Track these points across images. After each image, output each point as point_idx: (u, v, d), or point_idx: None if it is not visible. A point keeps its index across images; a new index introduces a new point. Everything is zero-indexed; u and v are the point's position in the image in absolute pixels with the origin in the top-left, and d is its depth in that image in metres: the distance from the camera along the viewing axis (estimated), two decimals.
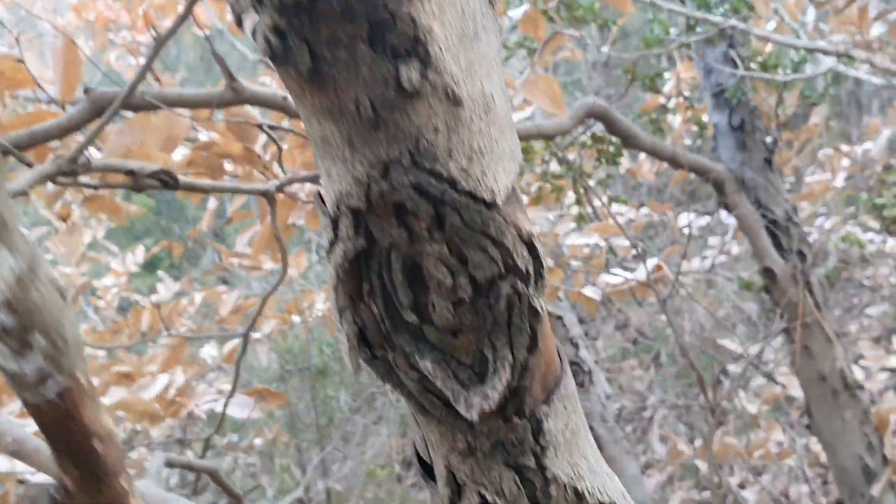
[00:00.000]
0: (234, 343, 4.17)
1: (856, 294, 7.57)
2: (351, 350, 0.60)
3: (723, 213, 5.53)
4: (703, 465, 4.23)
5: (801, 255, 2.49)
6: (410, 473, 7.49)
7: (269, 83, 3.69)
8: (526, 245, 0.58)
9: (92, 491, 0.36)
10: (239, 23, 0.49)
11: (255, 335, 4.80)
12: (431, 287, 0.59)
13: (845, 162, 4.98)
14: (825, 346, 2.46)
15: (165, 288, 5.42)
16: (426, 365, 0.61)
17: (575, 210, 2.85)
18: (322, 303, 4.72)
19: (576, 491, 0.65)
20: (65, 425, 0.35)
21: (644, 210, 5.06)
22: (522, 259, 0.58)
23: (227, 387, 3.28)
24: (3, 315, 0.32)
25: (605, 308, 8.57)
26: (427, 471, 0.71)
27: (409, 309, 0.60)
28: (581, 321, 8.48)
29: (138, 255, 5.77)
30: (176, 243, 4.08)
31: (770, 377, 2.66)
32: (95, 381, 2.60)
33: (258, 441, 5.63)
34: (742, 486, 5.70)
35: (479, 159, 0.54)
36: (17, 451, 0.56)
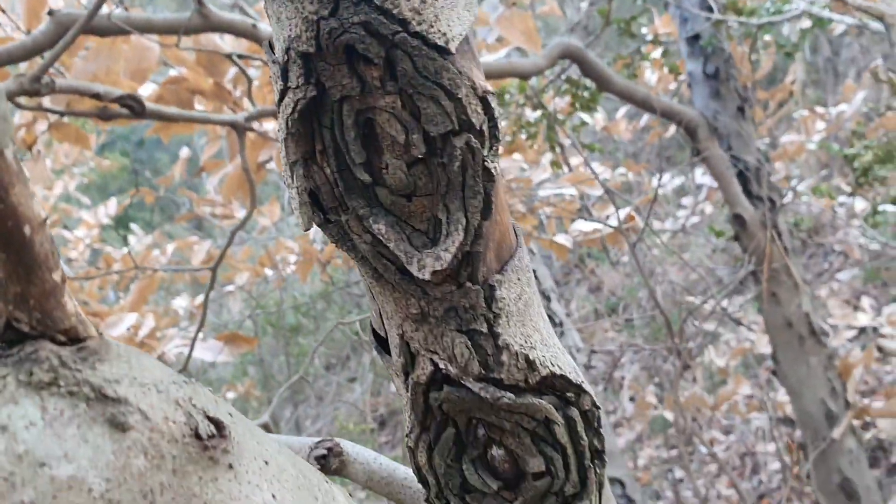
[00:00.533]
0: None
1: (827, 259, 7.65)
2: (302, 206, 0.60)
3: (697, 174, 5.56)
4: (672, 420, 4.28)
5: (771, 201, 2.51)
6: (385, 432, 7.54)
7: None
8: (480, 101, 0.58)
9: (21, 281, 0.35)
10: None
11: (229, 287, 4.79)
12: (385, 146, 0.59)
13: (820, 125, 5.01)
14: (792, 291, 2.49)
15: (137, 240, 5.38)
16: (379, 227, 0.61)
17: (549, 157, 2.85)
18: (296, 257, 4.69)
19: (527, 359, 0.66)
20: None
21: (620, 170, 5.07)
22: (477, 116, 0.58)
23: (199, 335, 3.27)
24: None
25: (580, 271, 8.62)
26: (382, 344, 0.71)
27: (361, 167, 0.59)
28: (556, 283, 8.54)
29: (110, 207, 5.70)
30: (147, 190, 4.03)
31: (738, 321, 2.69)
32: None
33: (231, 395, 5.62)
34: (711, 443, 5.79)
35: (432, 1, 0.53)
36: None
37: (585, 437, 0.70)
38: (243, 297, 4.92)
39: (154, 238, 5.39)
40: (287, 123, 0.57)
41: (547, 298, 3.64)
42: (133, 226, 5.60)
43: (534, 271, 2.69)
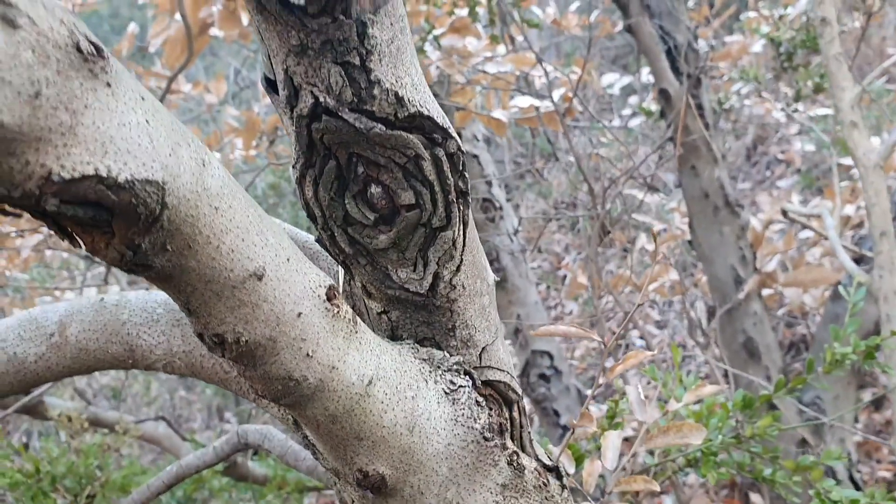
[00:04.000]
0: None
1: (770, 168, 7.87)
2: None
3: (643, 73, 5.64)
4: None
5: (696, 79, 2.61)
6: None
7: None
8: None
9: None
10: None
11: None
12: None
13: (765, 28, 5.10)
14: (710, 164, 2.62)
15: None
16: None
17: (490, 33, 2.90)
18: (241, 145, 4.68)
19: (397, 95, 0.75)
20: None
21: (572, 68, 5.12)
22: None
23: None
24: None
25: (531, 175, 8.75)
26: (271, 85, 0.80)
27: None
28: (507, 186, 8.64)
29: None
30: None
31: (654, 188, 2.83)
32: None
33: None
34: (643, 338, 6.05)
35: None
36: None
37: (451, 178, 0.81)
38: None
39: None
40: None
41: (488, 184, 3.74)
42: None
43: (476, 157, 2.84)
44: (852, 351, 1.40)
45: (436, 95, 3.24)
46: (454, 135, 0.81)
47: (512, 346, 3.97)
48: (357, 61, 0.73)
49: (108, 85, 0.50)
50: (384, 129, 0.76)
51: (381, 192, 0.81)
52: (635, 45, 3.67)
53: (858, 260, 2.47)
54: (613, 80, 5.79)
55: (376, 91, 0.74)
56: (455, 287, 0.84)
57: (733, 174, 7.09)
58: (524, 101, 2.90)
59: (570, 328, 1.10)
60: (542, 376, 3.55)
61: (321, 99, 0.75)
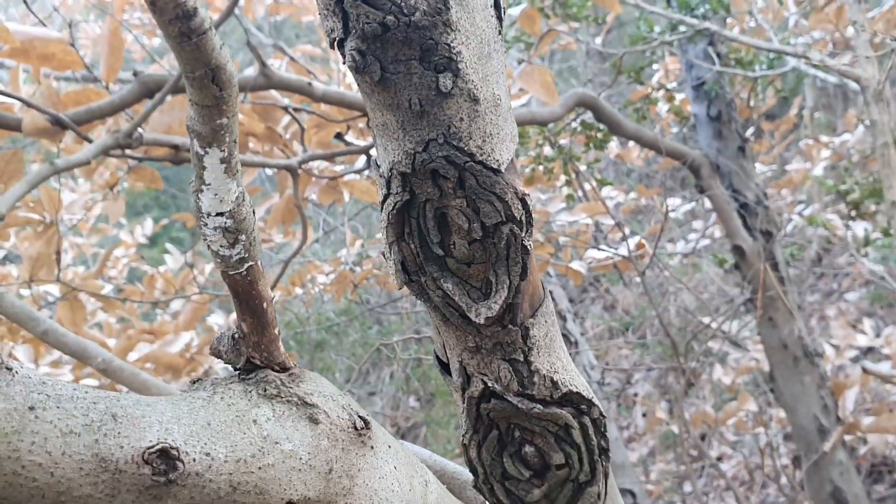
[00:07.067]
0: None
1: (836, 280, 7.83)
2: (396, 273, 0.85)
3: (706, 200, 5.79)
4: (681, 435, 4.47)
5: (768, 234, 2.74)
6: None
7: (279, 65, 3.91)
8: (521, 201, 0.83)
9: (258, 334, 0.61)
10: (332, 46, 0.74)
11: None
12: (453, 230, 0.84)
13: (825, 153, 5.23)
14: (787, 317, 2.72)
15: (173, 259, 5.64)
16: (448, 286, 0.86)
17: (565, 191, 3.09)
18: (325, 276, 4.92)
19: (552, 380, 0.90)
20: (248, 291, 0.59)
21: (633, 194, 5.30)
22: (518, 211, 0.83)
23: None
24: (229, 220, 0.57)
25: (595, 289, 8.83)
26: (444, 368, 0.96)
27: (437, 245, 0.84)
28: (570, 300, 8.72)
29: (147, 227, 5.99)
30: (188, 215, 4.30)
31: (735, 343, 2.92)
32: (125, 337, 2.84)
33: None
34: (720, 458, 5.99)
35: (489, 140, 0.78)
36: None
37: (595, 439, 0.95)
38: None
39: (189, 258, 5.66)
40: (388, 216, 0.82)
41: (563, 318, 3.87)
42: (169, 246, 5.87)
43: (550, 292, 2.99)
44: None
45: None
46: (597, 402, 0.95)
47: None
48: (521, 357, 0.89)
49: (372, 448, 0.67)
50: (542, 408, 0.91)
51: (534, 451, 0.95)
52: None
53: None
54: (676, 205, 5.93)
55: (536, 378, 0.90)
56: None
57: (801, 291, 7.08)
58: (600, 254, 3.05)
59: None
60: None
61: (490, 385, 0.90)
